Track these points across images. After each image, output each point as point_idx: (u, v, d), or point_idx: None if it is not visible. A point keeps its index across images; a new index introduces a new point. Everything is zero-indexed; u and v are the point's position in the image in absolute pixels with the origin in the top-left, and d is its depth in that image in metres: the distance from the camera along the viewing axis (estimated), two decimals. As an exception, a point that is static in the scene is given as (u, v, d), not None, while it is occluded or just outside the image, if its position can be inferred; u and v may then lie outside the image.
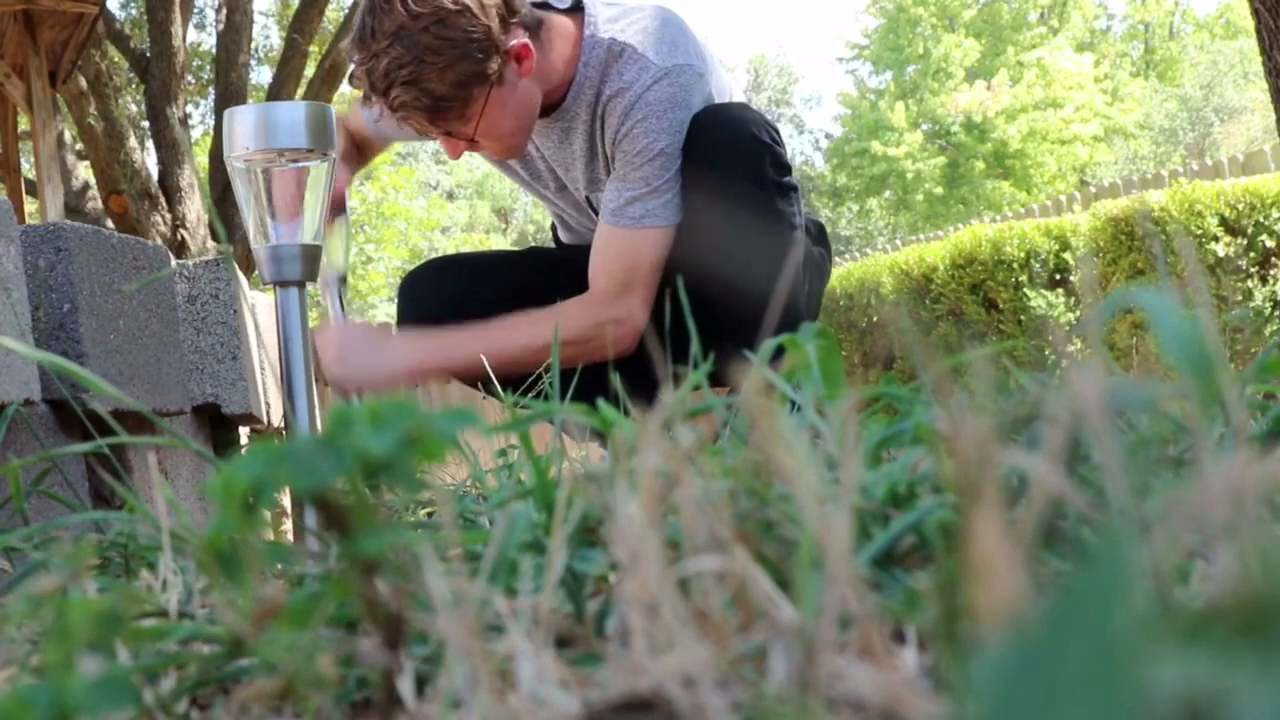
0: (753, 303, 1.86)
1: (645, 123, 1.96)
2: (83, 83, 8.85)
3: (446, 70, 1.86)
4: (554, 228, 2.49)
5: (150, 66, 9.73)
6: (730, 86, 2.18)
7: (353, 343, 2.03)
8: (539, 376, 2.01)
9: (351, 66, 1.94)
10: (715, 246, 1.95)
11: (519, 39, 1.91)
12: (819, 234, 2.29)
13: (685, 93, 1.97)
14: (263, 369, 2.27)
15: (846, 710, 0.38)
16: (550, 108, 2.05)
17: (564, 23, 2.02)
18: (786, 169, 2.05)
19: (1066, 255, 5.25)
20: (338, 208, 2.16)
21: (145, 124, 11.28)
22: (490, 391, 1.82)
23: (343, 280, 2.16)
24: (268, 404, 2.35)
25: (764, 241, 1.98)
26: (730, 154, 1.99)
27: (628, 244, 2.01)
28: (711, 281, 1.89)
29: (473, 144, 1.99)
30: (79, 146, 10.27)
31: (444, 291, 2.27)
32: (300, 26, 10.30)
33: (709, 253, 1.94)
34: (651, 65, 1.96)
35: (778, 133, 2.06)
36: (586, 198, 2.14)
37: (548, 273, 2.25)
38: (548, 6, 2.05)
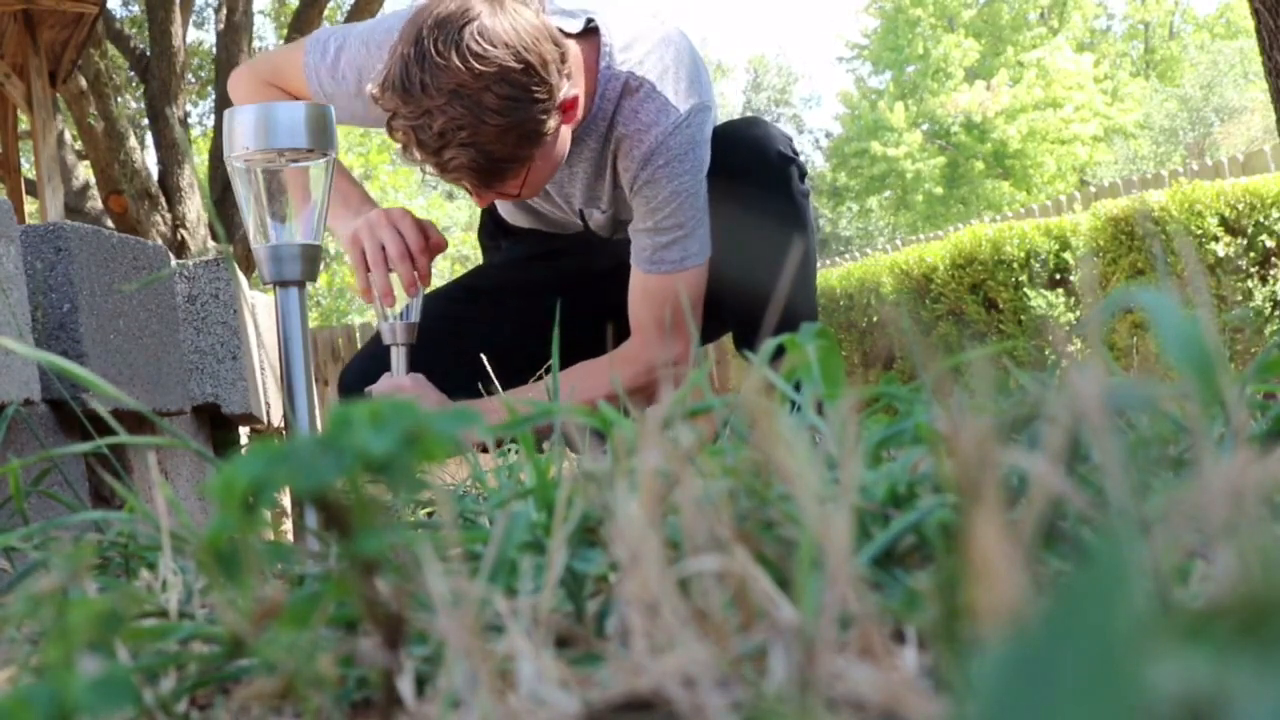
0: (790, 310, 1.87)
1: (668, 168, 1.92)
2: (83, 83, 8.85)
3: (508, 131, 1.75)
4: (487, 213, 2.39)
5: (150, 66, 9.74)
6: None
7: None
8: (539, 377, 2.01)
9: (391, 118, 1.77)
10: (758, 268, 1.92)
11: (570, 92, 1.82)
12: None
13: (704, 131, 1.95)
14: (263, 369, 2.27)
15: (846, 710, 0.38)
16: None
17: (578, 52, 1.92)
18: (805, 176, 2.06)
19: (1066, 255, 5.25)
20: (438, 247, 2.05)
21: (145, 123, 11.27)
22: (490, 392, 1.82)
23: (411, 341, 2.06)
24: (268, 404, 2.35)
25: (796, 253, 2.00)
26: (761, 177, 1.98)
27: (669, 288, 1.98)
28: (756, 302, 1.89)
29: (505, 195, 1.92)
30: (79, 146, 10.27)
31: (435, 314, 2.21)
32: (300, 26, 10.29)
33: (754, 275, 1.91)
34: (671, 109, 1.91)
35: (793, 141, 2.07)
36: (580, 210, 2.12)
37: (495, 319, 2.22)
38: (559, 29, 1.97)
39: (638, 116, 1.92)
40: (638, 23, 2.02)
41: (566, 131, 1.90)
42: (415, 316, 2.03)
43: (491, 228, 2.44)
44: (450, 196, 24.20)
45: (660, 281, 1.98)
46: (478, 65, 1.70)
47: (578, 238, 2.24)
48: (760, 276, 1.90)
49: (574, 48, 1.90)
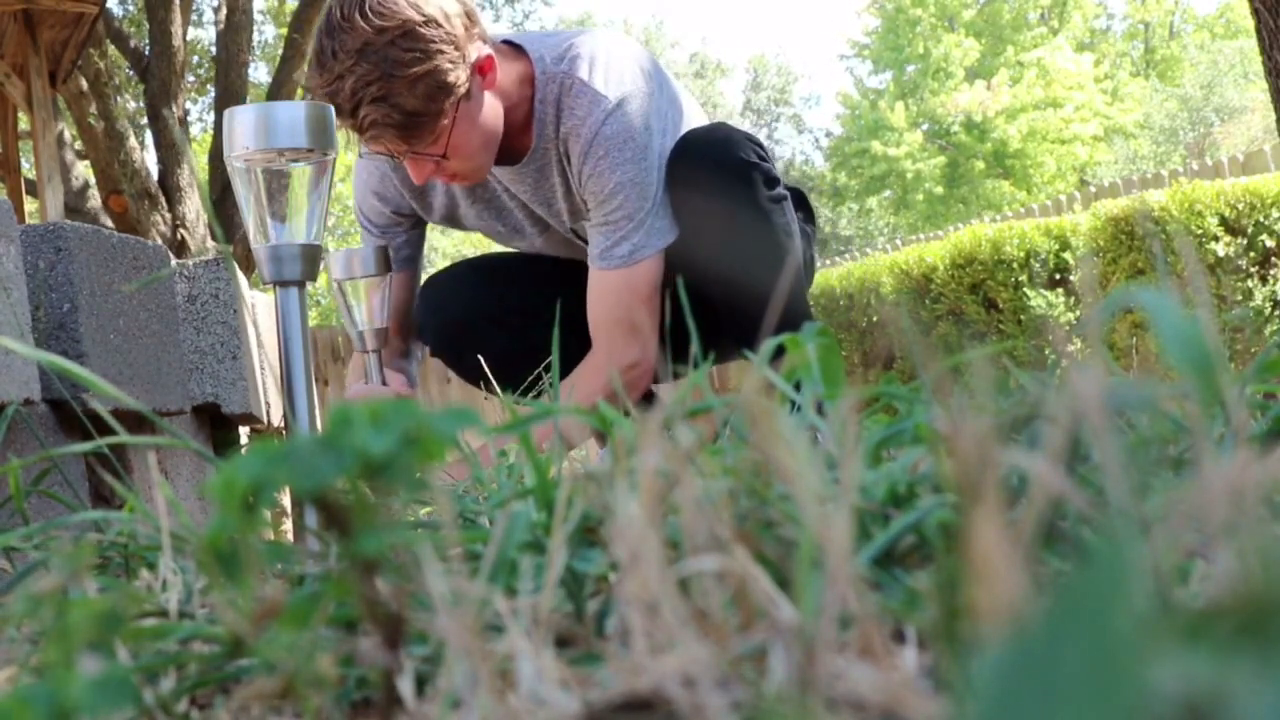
0: (760, 318, 1.86)
1: (606, 159, 1.93)
2: (83, 82, 8.85)
3: (416, 83, 1.80)
4: None
5: (150, 66, 9.73)
6: (684, 92, 2.16)
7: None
8: (539, 377, 2.01)
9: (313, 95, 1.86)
10: (721, 278, 1.92)
11: (482, 50, 1.88)
12: (800, 201, 2.26)
13: (641, 118, 1.94)
14: (263, 369, 2.27)
15: (846, 710, 0.38)
16: (519, 154, 2.03)
17: (511, 59, 1.98)
18: (776, 181, 2.04)
19: (1066, 255, 5.25)
20: (382, 265, 2.09)
21: (145, 122, 11.28)
22: (491, 390, 1.82)
23: (380, 346, 2.09)
24: (268, 404, 2.35)
25: (767, 263, 1.98)
26: (722, 182, 1.97)
27: (622, 284, 1.98)
28: (723, 309, 1.88)
29: (439, 167, 1.94)
30: (79, 146, 10.27)
31: (466, 297, 2.23)
32: (300, 26, 10.29)
33: (717, 286, 1.91)
34: (601, 98, 1.93)
35: (762, 146, 2.05)
36: (572, 229, 2.12)
37: (565, 278, 2.23)
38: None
39: (574, 112, 1.95)
40: (573, 37, 2.04)
41: (493, 101, 1.92)
42: (384, 321, 2.06)
43: None
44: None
45: (614, 278, 1.98)
46: (379, 21, 1.78)
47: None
48: (733, 286, 1.90)
49: (506, 50, 1.98)
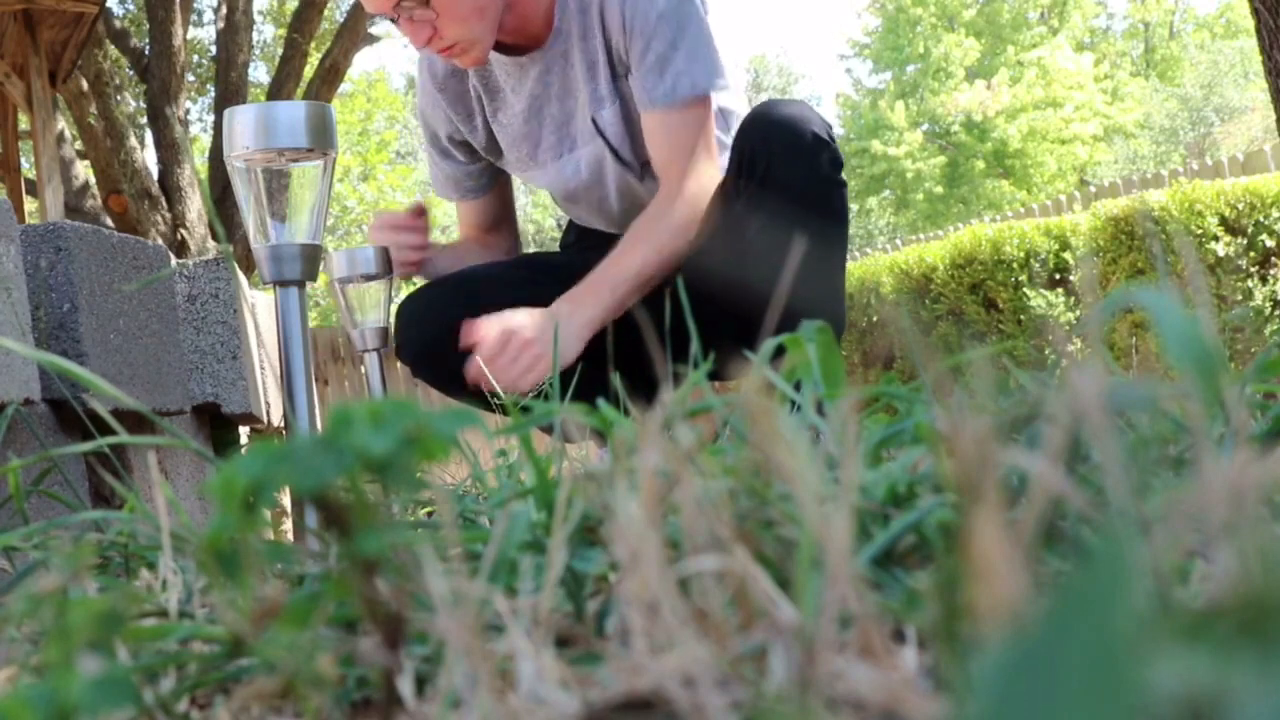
0: (817, 303, 1.87)
1: None
2: (83, 82, 8.85)
3: None
4: (569, 225, 2.47)
5: (150, 66, 9.74)
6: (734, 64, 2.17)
7: (517, 348, 1.92)
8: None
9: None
10: (780, 256, 1.93)
11: None
12: None
13: None
14: (263, 369, 2.27)
15: (846, 710, 0.38)
16: (541, 43, 2.06)
17: None
18: (839, 164, 2.05)
19: (1066, 255, 5.25)
20: (383, 266, 2.09)
21: (145, 122, 11.28)
22: (489, 407, 1.82)
23: (381, 346, 2.09)
24: (268, 404, 2.34)
25: (826, 245, 1.99)
26: (791, 160, 1.98)
27: (677, 122, 2.00)
28: (779, 288, 1.87)
29: (436, 33, 1.97)
30: (79, 146, 10.26)
31: (443, 316, 2.23)
32: (300, 26, 10.30)
33: (774, 266, 1.92)
34: None
35: (831, 128, 2.07)
36: (592, 119, 2.11)
37: (550, 283, 2.23)
38: None
39: None
40: None
41: None
42: (384, 321, 2.07)
43: (568, 240, 2.47)
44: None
45: (668, 118, 1.99)
46: None
47: None
48: (776, 268, 1.90)
49: None
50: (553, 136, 2.15)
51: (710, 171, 2.03)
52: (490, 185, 2.33)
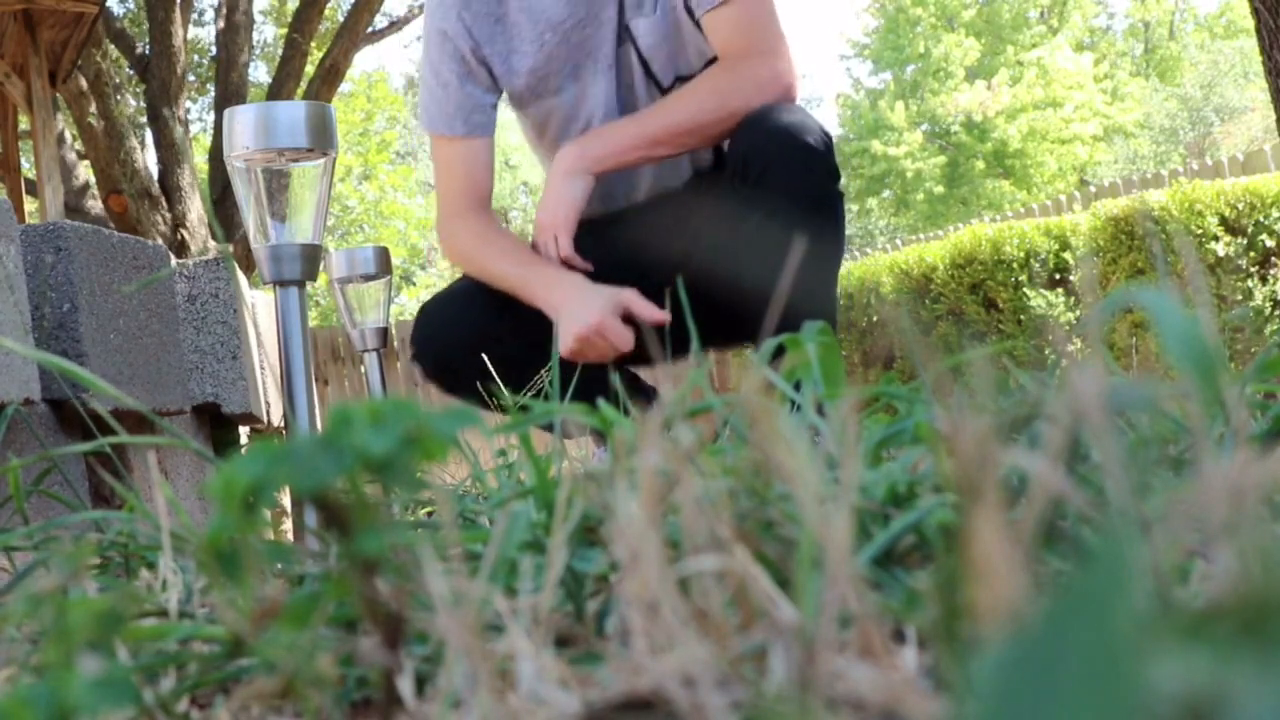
0: (809, 313, 1.84)
1: None
2: (83, 82, 8.85)
3: None
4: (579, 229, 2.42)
5: (150, 66, 9.74)
6: None
7: (585, 298, 1.92)
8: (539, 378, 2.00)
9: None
10: (775, 260, 1.91)
11: None
12: None
13: None
14: (263, 369, 2.27)
15: (846, 710, 0.38)
16: None
17: None
18: (837, 175, 2.04)
19: (1066, 255, 5.25)
20: (383, 266, 2.07)
21: (145, 122, 11.28)
22: (488, 404, 1.81)
23: (381, 346, 2.08)
24: (268, 404, 2.35)
25: (816, 252, 1.98)
26: (789, 164, 1.96)
27: (740, 10, 1.98)
28: (773, 294, 1.86)
29: None
30: (79, 146, 10.27)
31: (459, 328, 2.14)
32: (300, 26, 10.30)
33: (767, 267, 1.90)
34: None
35: (830, 137, 2.05)
36: (625, 26, 2.08)
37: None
38: None
39: None
40: None
41: None
42: (384, 321, 2.06)
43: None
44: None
45: (733, 8, 1.98)
46: None
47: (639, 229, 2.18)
48: (768, 269, 1.88)
49: None
50: (576, 54, 2.11)
51: (791, 57, 2.01)
52: (492, 128, 2.22)
